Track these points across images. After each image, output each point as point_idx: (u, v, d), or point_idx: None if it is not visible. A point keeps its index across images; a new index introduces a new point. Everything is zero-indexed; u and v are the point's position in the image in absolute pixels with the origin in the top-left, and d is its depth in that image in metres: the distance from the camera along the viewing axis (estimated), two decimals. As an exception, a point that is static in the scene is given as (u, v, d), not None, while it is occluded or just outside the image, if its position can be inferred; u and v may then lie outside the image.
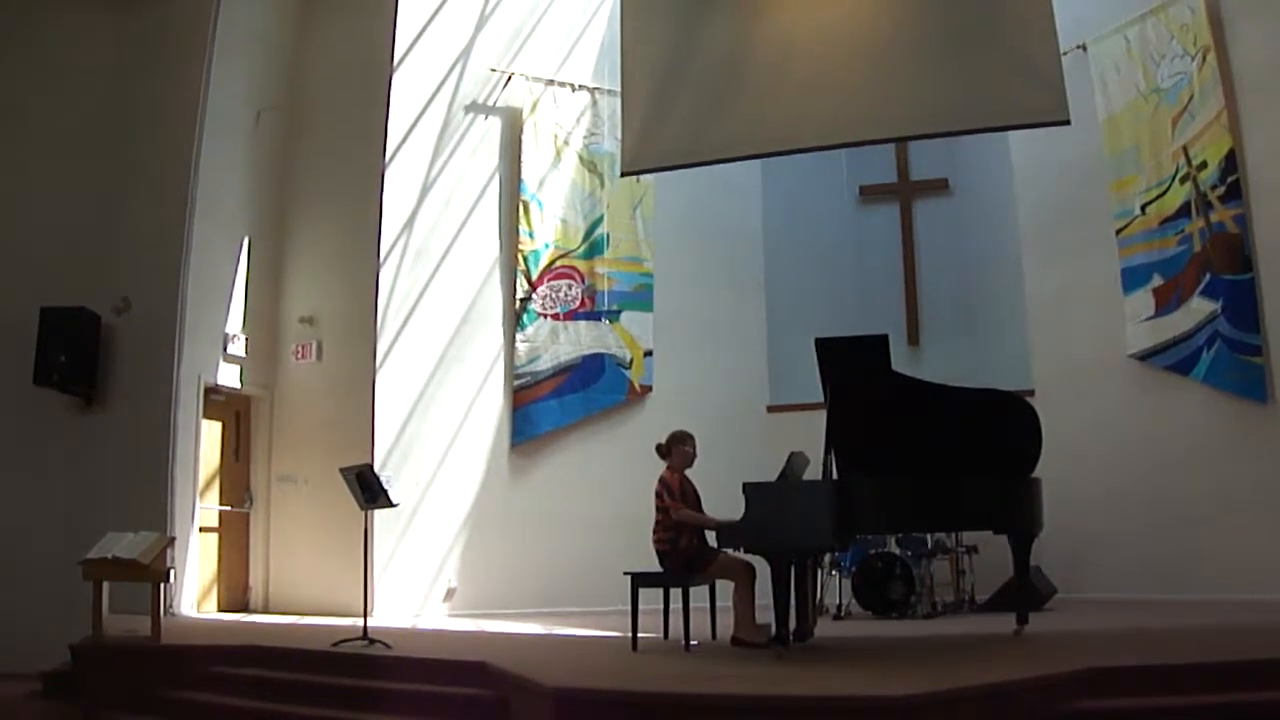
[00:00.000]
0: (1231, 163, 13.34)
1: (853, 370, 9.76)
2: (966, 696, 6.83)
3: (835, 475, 9.66)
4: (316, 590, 14.09)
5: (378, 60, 15.02)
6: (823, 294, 16.54)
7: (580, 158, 16.18)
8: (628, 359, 16.00)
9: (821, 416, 9.83)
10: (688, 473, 10.21)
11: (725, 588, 10.10)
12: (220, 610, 14.20)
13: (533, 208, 15.69)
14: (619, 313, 16.04)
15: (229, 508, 14.58)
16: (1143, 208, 14.40)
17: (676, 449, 10.16)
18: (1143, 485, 13.98)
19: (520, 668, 8.20)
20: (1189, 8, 13.84)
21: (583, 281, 15.94)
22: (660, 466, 10.18)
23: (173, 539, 11.46)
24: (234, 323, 14.63)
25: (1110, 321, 14.62)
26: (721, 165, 15.11)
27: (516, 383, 15.40)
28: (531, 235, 15.64)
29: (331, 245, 15.25)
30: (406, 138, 15.05)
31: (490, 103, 15.87)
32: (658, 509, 9.98)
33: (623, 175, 15.21)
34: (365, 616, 10.56)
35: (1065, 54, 13.68)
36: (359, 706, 8.67)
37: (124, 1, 14.35)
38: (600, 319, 15.95)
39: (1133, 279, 14.46)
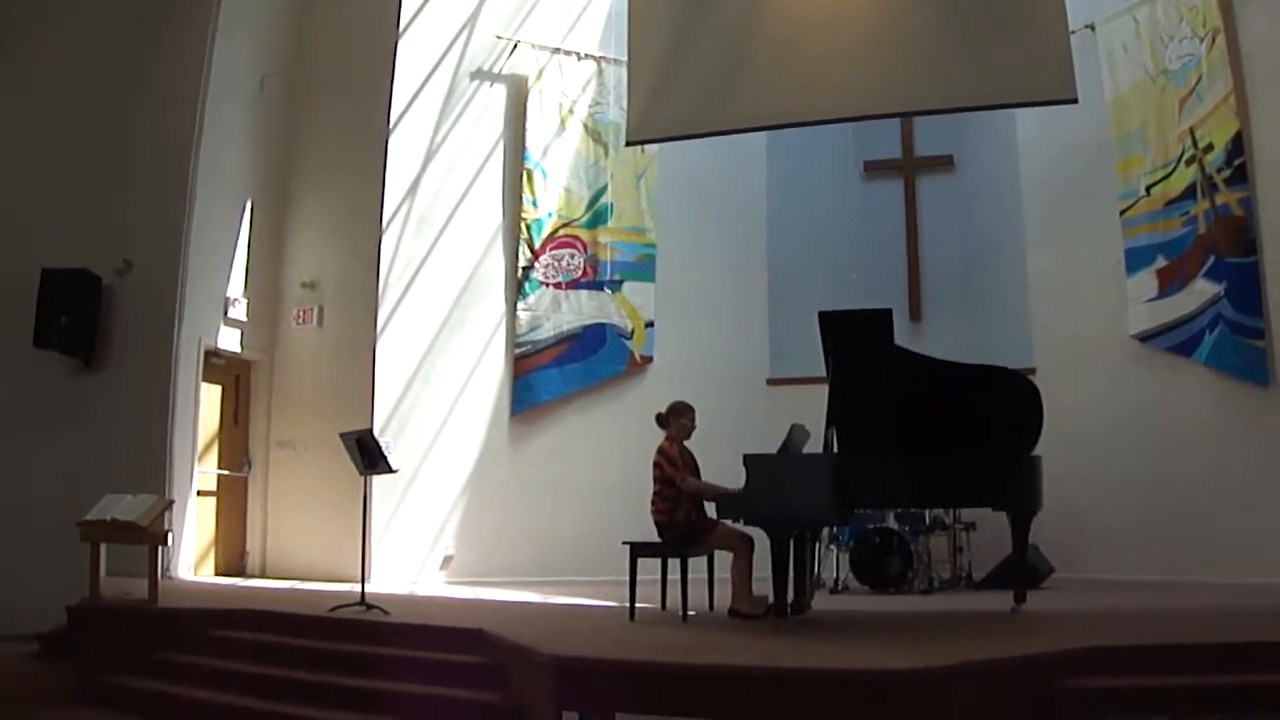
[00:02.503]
0: (1238, 146, 13.31)
1: (855, 344, 9.76)
2: (965, 672, 6.83)
3: (836, 449, 9.66)
4: (314, 555, 14.11)
5: (383, 26, 14.97)
6: (825, 267, 16.46)
7: (585, 127, 16.16)
8: (629, 329, 16.00)
9: (822, 390, 9.87)
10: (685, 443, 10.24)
11: (723, 559, 10.14)
12: (217, 574, 14.21)
13: (536, 176, 15.66)
14: (621, 283, 16.04)
15: (227, 472, 14.59)
16: (1148, 189, 14.37)
17: (675, 420, 10.19)
18: (1142, 466, 14.00)
19: (518, 636, 8.20)
20: (1198, -11, 13.82)
21: (585, 251, 15.92)
22: (659, 437, 10.19)
23: (171, 502, 11.47)
24: (235, 287, 14.62)
25: (1113, 302, 14.62)
26: (726, 137, 15.13)
27: (517, 351, 15.41)
28: (535, 204, 15.62)
29: (334, 211, 15.23)
30: (411, 104, 15.03)
31: (495, 70, 15.84)
32: (656, 479, 10.01)
33: (627, 145, 15.21)
34: (363, 582, 10.58)
35: (1073, 33, 13.61)
36: (356, 672, 8.67)
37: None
38: (602, 289, 15.95)
39: (1136, 260, 14.44)
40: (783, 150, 16.95)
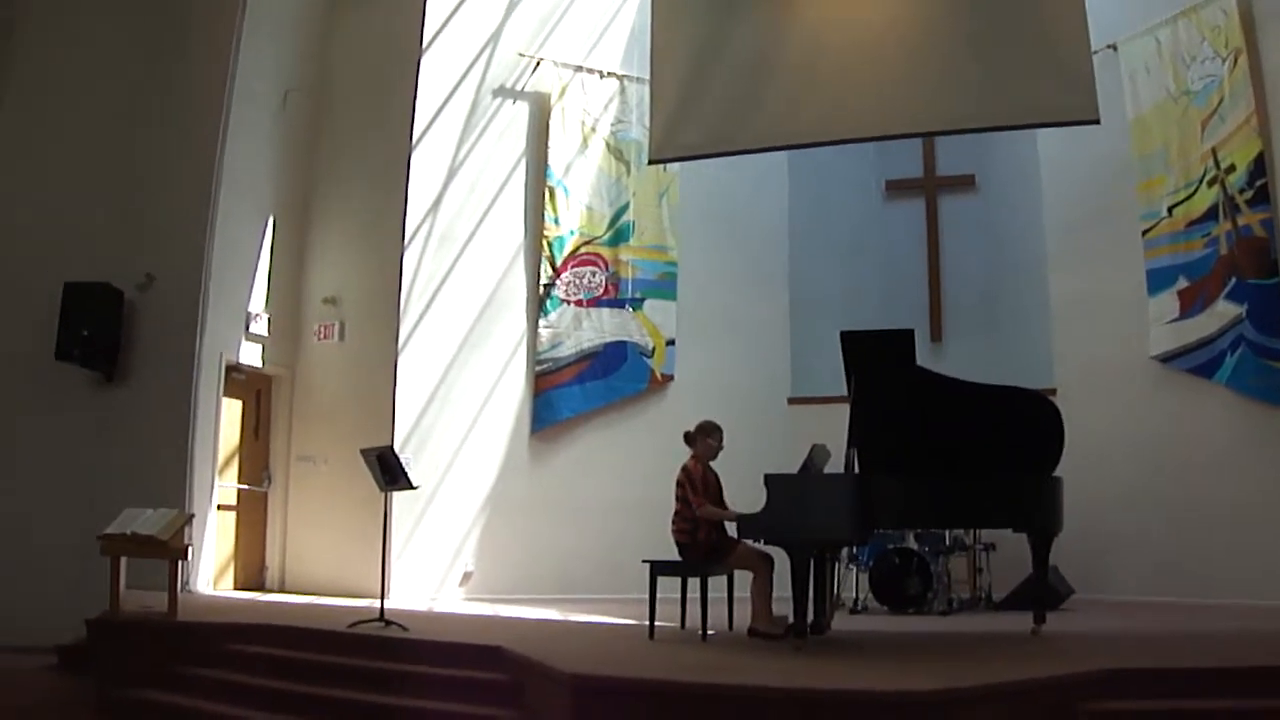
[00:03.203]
0: (1260, 167, 13.29)
1: (877, 364, 9.74)
2: (986, 694, 6.82)
3: (857, 469, 9.64)
4: (333, 571, 14.12)
5: (406, 43, 15.01)
6: (846, 287, 16.51)
7: (607, 145, 16.16)
8: (650, 347, 15.99)
9: (842, 410, 9.84)
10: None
11: (743, 578, 10.10)
12: (236, 588, 14.24)
13: (558, 194, 15.68)
14: (642, 301, 16.03)
15: (247, 486, 14.62)
16: (1170, 209, 14.34)
17: (702, 440, 10.19)
18: (1163, 487, 13.96)
19: (536, 653, 8.19)
20: (1221, 10, 13.79)
21: (607, 269, 15.93)
22: (682, 454, 10.19)
23: (191, 516, 11.50)
24: (257, 301, 14.66)
25: (1134, 323, 14.59)
26: (748, 156, 15.17)
27: (538, 368, 15.41)
28: (557, 221, 15.63)
29: (356, 226, 15.28)
30: (434, 121, 15.05)
31: (518, 88, 15.86)
32: (678, 498, 10.01)
33: (650, 163, 15.19)
34: (382, 598, 10.58)
35: (1095, 53, 13.59)
36: (374, 688, 8.66)
37: (154, -21, 14.37)
38: (623, 306, 15.94)
39: (1158, 281, 14.41)
40: (804, 169, 16.96)
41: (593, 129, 16.09)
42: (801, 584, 9.05)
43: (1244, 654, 8.39)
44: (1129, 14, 14.90)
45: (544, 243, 15.57)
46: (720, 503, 10.12)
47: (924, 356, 10.30)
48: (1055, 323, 15.69)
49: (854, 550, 13.14)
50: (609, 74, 16.27)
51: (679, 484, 10.02)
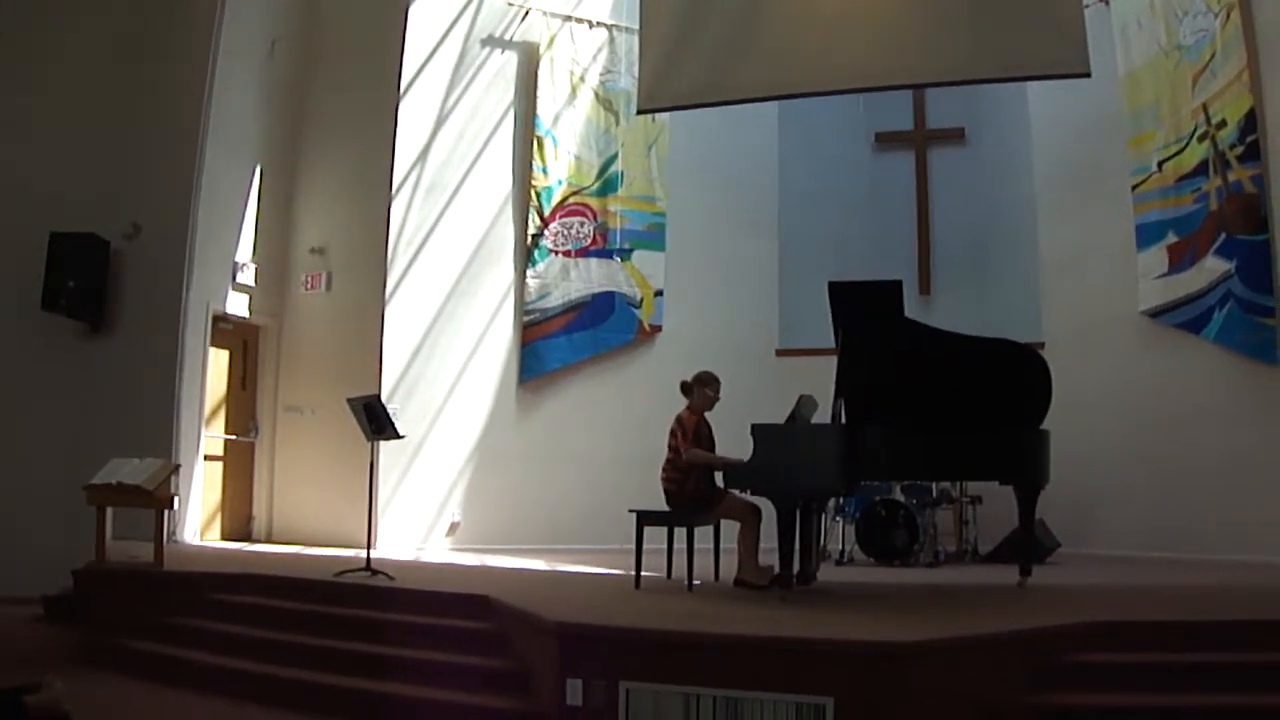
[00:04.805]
0: (1251, 122, 13.20)
1: (865, 315, 9.71)
2: (969, 645, 6.83)
3: (844, 420, 9.62)
4: (320, 521, 14.14)
5: (395, -9, 14.94)
6: (835, 239, 16.50)
7: (596, 95, 16.12)
8: (638, 298, 15.98)
9: (830, 362, 9.79)
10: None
11: (729, 530, 10.13)
12: (223, 539, 14.26)
13: (547, 144, 15.64)
14: (630, 251, 16.02)
15: (234, 436, 14.60)
16: (1160, 164, 14.29)
17: (699, 390, 10.19)
18: (1149, 442, 13.98)
19: (523, 602, 8.20)
20: (1214, -37, 13.73)
21: (595, 219, 15.90)
22: (669, 405, 10.19)
23: (177, 466, 11.45)
24: (244, 251, 14.62)
25: (1123, 277, 14.57)
26: (738, 107, 15.11)
27: (526, 319, 15.40)
28: (545, 171, 15.59)
29: (343, 176, 15.23)
30: (422, 70, 14.99)
31: (507, 37, 15.80)
32: (670, 448, 10.01)
33: (638, 113, 15.17)
34: (369, 548, 10.59)
35: (1087, 6, 13.59)
36: (361, 637, 8.68)
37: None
38: (612, 257, 15.93)
39: (1147, 235, 14.38)
40: (794, 121, 16.93)
41: (581, 79, 16.04)
42: (787, 535, 9.06)
43: (1228, 608, 8.41)
44: (1121, -33, 14.84)
45: (532, 193, 15.53)
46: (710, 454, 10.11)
47: (912, 309, 10.24)
48: (1044, 277, 15.71)
49: (840, 502, 13.18)
50: (598, 23, 16.21)
51: (671, 432, 10.03)
